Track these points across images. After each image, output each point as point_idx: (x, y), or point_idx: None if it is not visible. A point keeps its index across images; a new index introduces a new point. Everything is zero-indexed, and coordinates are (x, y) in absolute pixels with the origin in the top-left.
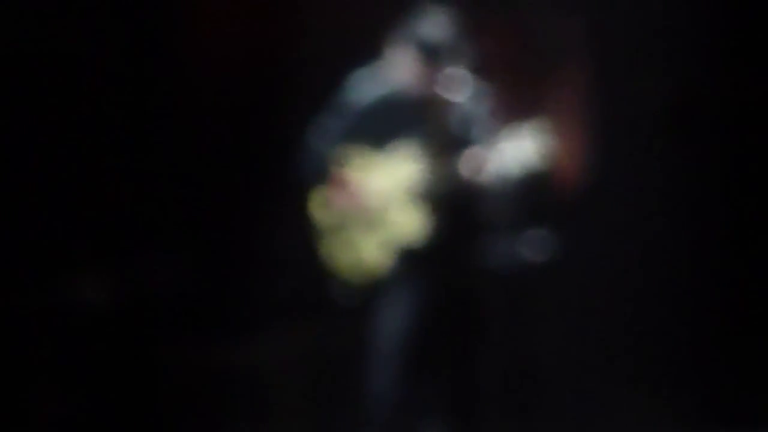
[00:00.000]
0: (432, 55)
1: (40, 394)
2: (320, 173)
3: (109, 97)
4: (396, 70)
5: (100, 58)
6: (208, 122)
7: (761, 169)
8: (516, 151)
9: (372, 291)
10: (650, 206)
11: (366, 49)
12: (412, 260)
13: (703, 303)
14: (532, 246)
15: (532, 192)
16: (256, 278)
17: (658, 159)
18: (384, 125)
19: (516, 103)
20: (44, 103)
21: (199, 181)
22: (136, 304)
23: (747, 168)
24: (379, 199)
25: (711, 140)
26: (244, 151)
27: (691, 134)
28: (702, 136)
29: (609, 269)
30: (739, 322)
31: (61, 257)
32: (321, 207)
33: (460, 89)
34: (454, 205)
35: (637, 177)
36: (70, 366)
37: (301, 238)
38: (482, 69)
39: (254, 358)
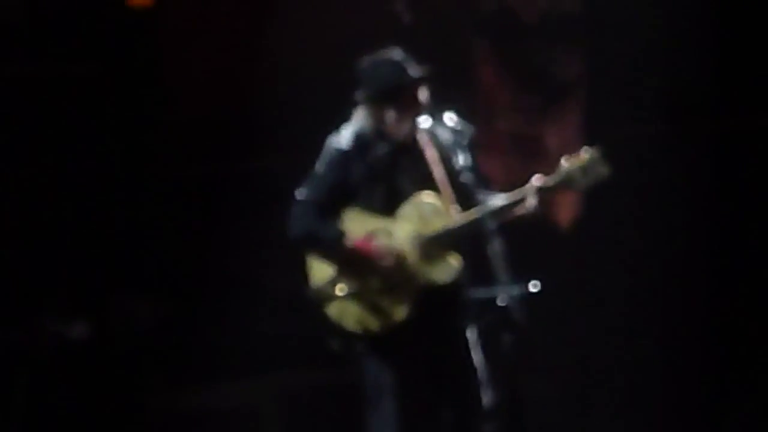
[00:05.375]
0: (399, 98)
1: None
2: (327, 235)
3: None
4: (371, 118)
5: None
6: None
7: None
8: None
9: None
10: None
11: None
12: (432, 305)
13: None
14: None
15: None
16: (252, 324)
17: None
18: (370, 164)
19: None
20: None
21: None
22: (122, 347)
23: None
24: (401, 255)
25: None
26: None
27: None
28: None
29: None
30: None
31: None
32: (322, 271)
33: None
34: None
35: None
36: (50, 408)
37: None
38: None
39: (245, 401)
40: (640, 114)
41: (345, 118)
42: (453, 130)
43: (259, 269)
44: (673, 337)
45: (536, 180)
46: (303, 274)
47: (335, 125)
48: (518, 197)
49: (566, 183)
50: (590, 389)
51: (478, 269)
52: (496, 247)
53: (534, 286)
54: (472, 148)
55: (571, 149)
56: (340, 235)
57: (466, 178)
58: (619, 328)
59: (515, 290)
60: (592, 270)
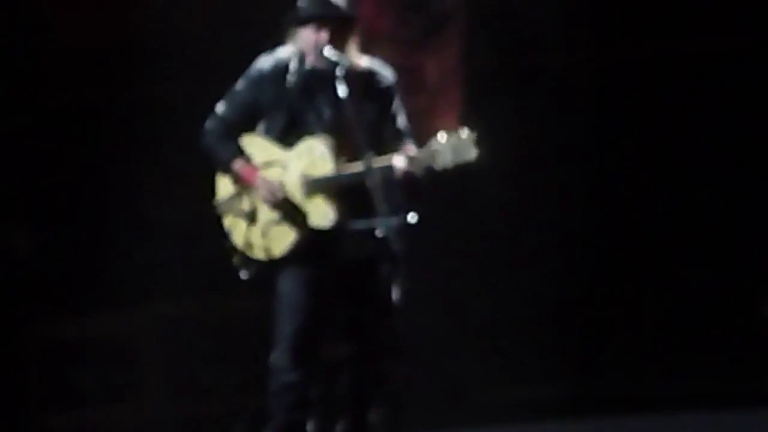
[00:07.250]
0: (321, 24)
1: None
2: (223, 153)
3: None
4: (295, 44)
5: None
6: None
7: None
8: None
9: (273, 267)
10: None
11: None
12: (315, 241)
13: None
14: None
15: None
16: (142, 249)
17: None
18: (283, 91)
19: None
20: None
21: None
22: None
23: None
24: (287, 187)
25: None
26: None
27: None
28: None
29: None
30: None
31: None
32: (225, 186)
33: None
34: (358, 190)
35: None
36: None
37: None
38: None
39: (123, 330)
40: (521, 45)
41: (222, 53)
42: (380, 77)
43: (138, 197)
44: (552, 272)
45: (409, 150)
46: (183, 203)
47: (211, 58)
48: (390, 164)
49: (434, 158)
50: (467, 320)
51: (356, 201)
52: (375, 178)
53: (412, 218)
54: (395, 95)
55: (450, 81)
56: (233, 157)
57: (374, 127)
58: (498, 261)
59: (393, 221)
60: (471, 203)
